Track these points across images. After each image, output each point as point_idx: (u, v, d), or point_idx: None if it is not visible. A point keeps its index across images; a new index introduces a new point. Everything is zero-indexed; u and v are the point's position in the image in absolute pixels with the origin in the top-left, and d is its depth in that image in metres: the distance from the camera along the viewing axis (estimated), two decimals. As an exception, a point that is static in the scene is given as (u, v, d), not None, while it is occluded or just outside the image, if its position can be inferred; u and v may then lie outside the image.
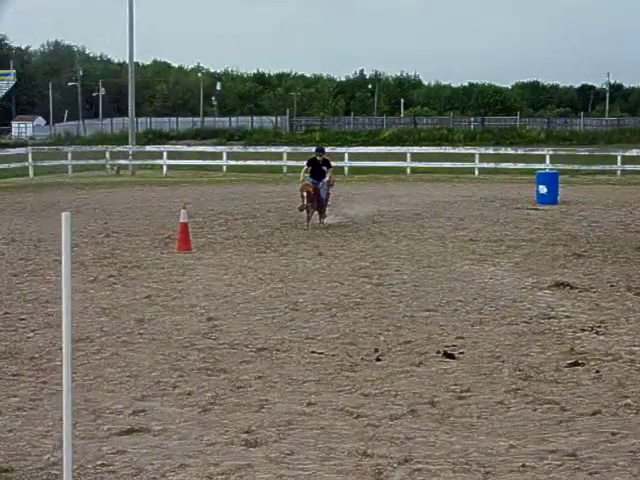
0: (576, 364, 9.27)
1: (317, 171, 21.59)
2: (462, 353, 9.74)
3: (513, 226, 21.13)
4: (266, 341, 10.30)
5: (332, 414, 7.79)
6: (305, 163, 22.22)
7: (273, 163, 41.49)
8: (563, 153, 41.74)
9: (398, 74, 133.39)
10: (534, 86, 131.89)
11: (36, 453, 6.87)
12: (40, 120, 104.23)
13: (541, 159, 39.06)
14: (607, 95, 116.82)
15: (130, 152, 43.24)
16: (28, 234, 19.88)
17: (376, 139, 72.40)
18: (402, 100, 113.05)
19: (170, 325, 11.14)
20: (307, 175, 21.60)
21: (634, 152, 40.16)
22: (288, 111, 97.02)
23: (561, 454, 6.80)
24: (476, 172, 38.87)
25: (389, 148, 47.02)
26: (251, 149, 46.33)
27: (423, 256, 16.57)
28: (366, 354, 9.73)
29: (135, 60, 48.13)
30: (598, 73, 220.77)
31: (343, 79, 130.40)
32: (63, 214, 4.89)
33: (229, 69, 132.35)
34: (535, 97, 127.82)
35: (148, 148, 47.07)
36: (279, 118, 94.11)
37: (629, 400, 8.09)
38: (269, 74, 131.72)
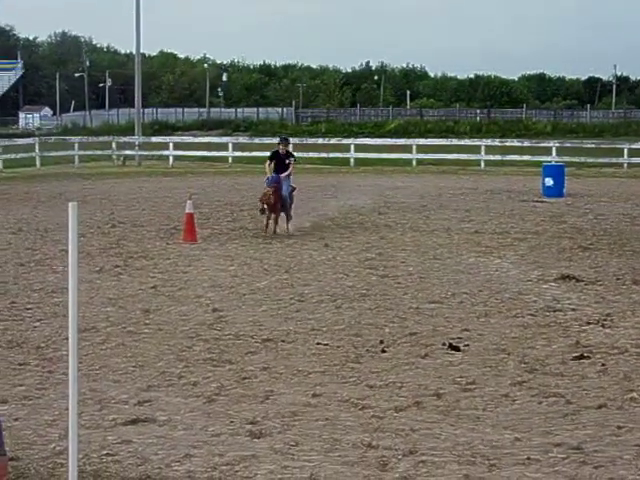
0: (582, 357, 9.26)
1: (281, 165, 19.05)
2: (467, 345, 9.73)
3: (519, 218, 21.10)
4: (271, 332, 10.31)
5: (337, 405, 7.80)
6: (268, 156, 19.58)
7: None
8: (569, 145, 41.69)
9: (404, 65, 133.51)
10: (540, 78, 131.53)
11: (42, 442, 6.89)
12: (47, 110, 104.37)
13: (547, 151, 38.99)
14: (614, 87, 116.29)
15: (136, 143, 43.29)
16: (35, 224, 19.91)
17: (382, 131, 72.42)
18: (408, 92, 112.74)
19: (176, 316, 11.15)
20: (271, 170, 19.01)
21: (641, 145, 40.10)
22: (294, 102, 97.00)
23: (566, 447, 6.79)
24: (482, 164, 38.82)
25: (395, 140, 47.02)
26: (257, 140, 46.28)
27: (429, 248, 16.56)
28: (371, 346, 9.73)
29: (142, 51, 48.15)
30: (605, 65, 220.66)
31: (349, 70, 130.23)
32: (70, 204, 4.88)
33: (235, 60, 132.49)
34: (541, 89, 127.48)
35: (154, 139, 47.08)
36: (285, 109, 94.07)
37: (635, 394, 8.08)
38: (275, 65, 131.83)
